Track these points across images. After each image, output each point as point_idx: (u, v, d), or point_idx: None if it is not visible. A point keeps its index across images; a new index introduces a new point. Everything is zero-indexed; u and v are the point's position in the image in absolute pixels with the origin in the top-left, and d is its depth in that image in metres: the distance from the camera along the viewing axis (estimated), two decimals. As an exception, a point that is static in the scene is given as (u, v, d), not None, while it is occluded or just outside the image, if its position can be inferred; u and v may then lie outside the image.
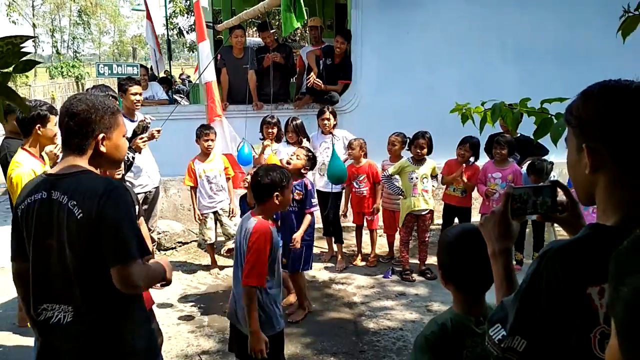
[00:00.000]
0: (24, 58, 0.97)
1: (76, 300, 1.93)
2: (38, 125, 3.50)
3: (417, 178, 5.42)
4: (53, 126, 3.56)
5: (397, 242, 6.02)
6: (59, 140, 3.77)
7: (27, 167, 3.43)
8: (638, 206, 1.19)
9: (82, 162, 1.98)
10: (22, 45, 0.94)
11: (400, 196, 5.50)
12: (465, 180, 5.47)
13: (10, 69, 0.97)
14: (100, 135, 1.99)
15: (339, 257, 5.85)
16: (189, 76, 22.43)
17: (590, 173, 1.22)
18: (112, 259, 1.87)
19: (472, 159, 5.62)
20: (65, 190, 1.89)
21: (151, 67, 11.68)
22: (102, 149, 2.00)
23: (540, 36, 7.03)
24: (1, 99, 0.99)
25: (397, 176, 5.51)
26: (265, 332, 2.83)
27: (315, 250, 6.21)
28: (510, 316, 1.23)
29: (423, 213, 5.45)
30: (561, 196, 1.48)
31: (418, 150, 5.39)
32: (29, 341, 4.23)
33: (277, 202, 2.96)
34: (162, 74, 11.24)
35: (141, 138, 4.34)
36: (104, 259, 1.87)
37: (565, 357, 1.19)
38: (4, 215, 8.13)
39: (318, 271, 5.69)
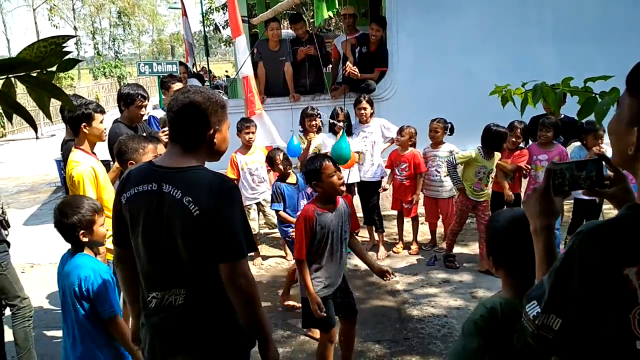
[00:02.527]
0: (66, 57, 1.01)
1: (189, 284, 1.99)
2: (84, 123, 3.60)
3: (484, 173, 5.22)
4: (99, 124, 3.64)
5: (439, 230, 5.97)
6: (106, 136, 3.89)
7: (86, 164, 3.53)
8: None
9: (192, 156, 2.01)
10: (64, 44, 0.98)
11: (455, 188, 5.33)
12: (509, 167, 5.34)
13: (54, 67, 1.01)
14: (215, 129, 2.02)
15: (380, 245, 5.84)
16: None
17: (634, 152, 1.19)
18: (224, 255, 1.93)
19: (522, 144, 5.49)
20: (179, 185, 1.93)
21: (194, 63, 11.85)
22: (215, 141, 2.04)
23: (579, 13, 6.81)
24: (47, 96, 1.03)
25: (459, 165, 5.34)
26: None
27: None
28: (546, 293, 1.21)
29: (481, 200, 5.31)
30: (607, 170, 1.44)
31: (513, 140, 5.27)
32: (55, 334, 4.38)
33: (320, 188, 3.23)
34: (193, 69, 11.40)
35: (163, 131, 4.47)
36: (215, 253, 1.93)
37: (603, 338, 1.17)
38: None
39: (360, 260, 5.68)
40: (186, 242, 1.93)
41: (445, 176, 5.62)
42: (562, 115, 5.35)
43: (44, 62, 0.98)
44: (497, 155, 5.29)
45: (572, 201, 5.38)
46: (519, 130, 5.32)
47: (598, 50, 6.59)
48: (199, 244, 1.93)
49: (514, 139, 5.32)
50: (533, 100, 2.07)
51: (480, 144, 5.24)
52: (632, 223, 1.17)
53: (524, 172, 5.33)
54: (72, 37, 1.00)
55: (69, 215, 2.69)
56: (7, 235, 3.77)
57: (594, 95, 1.92)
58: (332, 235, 3.26)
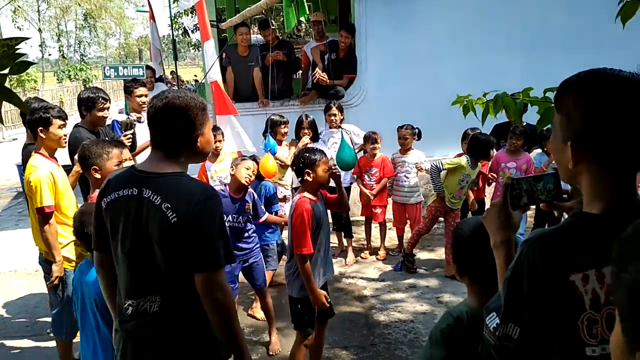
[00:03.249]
0: (19, 59, 0.97)
1: (164, 292, 1.96)
2: (40, 128, 3.50)
3: (466, 182, 5.20)
4: (56, 130, 3.53)
5: (407, 235, 6.01)
6: (66, 142, 3.79)
7: (44, 169, 3.45)
8: (623, 195, 1.20)
9: (174, 162, 1.98)
10: (17, 47, 0.95)
11: (439, 194, 5.23)
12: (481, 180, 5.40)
13: (6, 70, 0.98)
14: (198, 132, 1.99)
15: (349, 251, 5.85)
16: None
17: (573, 167, 1.22)
18: (200, 265, 1.90)
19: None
20: (158, 191, 1.90)
21: (163, 69, 11.66)
22: (198, 145, 2.01)
23: (546, 23, 6.97)
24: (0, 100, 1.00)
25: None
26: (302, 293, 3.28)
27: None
28: (502, 303, 1.23)
29: (455, 208, 5.32)
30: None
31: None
32: (44, 345, 4.28)
33: (310, 179, 3.29)
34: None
35: (125, 135, 4.43)
36: (191, 261, 1.89)
37: (556, 345, 1.19)
38: (16, 219, 8.22)
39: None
40: (163, 249, 1.90)
41: (413, 183, 5.67)
42: (525, 123, 5.45)
43: (-4, 65, 0.95)
44: (479, 165, 5.28)
45: (534, 206, 5.47)
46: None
47: (564, 58, 6.72)
48: (175, 251, 1.90)
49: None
50: (494, 110, 2.10)
51: (467, 153, 5.21)
52: (577, 230, 1.20)
53: (489, 179, 5.40)
54: (26, 39, 0.97)
55: (88, 224, 2.60)
56: None
57: (552, 104, 1.97)
58: (323, 226, 3.31)
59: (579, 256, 1.16)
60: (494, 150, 5.20)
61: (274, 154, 5.26)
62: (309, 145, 5.40)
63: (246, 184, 4.02)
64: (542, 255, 1.17)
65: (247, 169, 4.01)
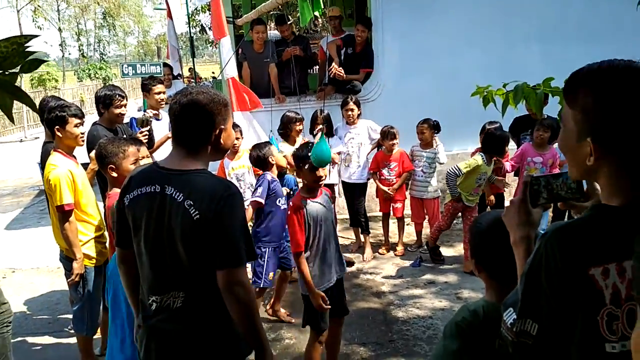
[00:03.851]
0: (30, 57, 0.97)
1: (188, 287, 1.97)
2: (57, 127, 3.52)
3: (484, 179, 5.15)
4: (73, 128, 3.55)
5: (425, 230, 5.97)
6: (85, 141, 3.82)
7: (63, 167, 3.47)
8: None
9: (196, 158, 1.99)
10: (27, 44, 0.94)
11: (453, 195, 5.19)
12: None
13: (17, 69, 0.97)
14: (221, 128, 2.00)
15: (367, 247, 5.82)
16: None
17: (594, 163, 1.18)
18: (222, 262, 1.91)
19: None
20: (181, 188, 1.91)
21: (180, 67, 11.72)
22: (222, 140, 2.02)
23: (563, 14, 6.85)
24: (10, 99, 0.99)
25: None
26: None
27: (343, 242, 6.22)
28: (519, 299, 1.20)
29: (471, 206, 5.27)
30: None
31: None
32: (65, 341, 4.34)
33: (300, 178, 3.41)
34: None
35: (141, 132, 4.46)
36: (213, 258, 1.91)
37: (575, 341, 1.15)
38: (38, 217, 8.34)
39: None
40: (185, 246, 1.91)
41: (429, 177, 5.63)
42: (545, 116, 5.36)
43: (6, 63, 0.95)
44: (494, 161, 5.21)
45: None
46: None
47: (582, 50, 6.55)
48: (198, 248, 1.91)
49: None
50: (514, 101, 2.06)
51: (482, 149, 5.16)
52: (596, 223, 1.16)
53: (503, 181, 5.32)
54: (36, 36, 0.97)
55: None
56: None
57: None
58: (322, 224, 3.27)
59: (599, 249, 1.12)
60: (508, 146, 5.13)
61: None
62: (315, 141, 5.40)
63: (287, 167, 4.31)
64: (561, 249, 1.14)
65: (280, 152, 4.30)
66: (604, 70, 1.18)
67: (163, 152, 4.94)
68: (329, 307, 3.23)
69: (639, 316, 0.88)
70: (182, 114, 1.98)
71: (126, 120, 4.72)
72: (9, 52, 0.94)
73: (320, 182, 3.31)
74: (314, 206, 3.26)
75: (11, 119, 1.08)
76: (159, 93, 5.17)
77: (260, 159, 4.44)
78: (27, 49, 0.96)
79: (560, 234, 1.17)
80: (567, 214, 5.26)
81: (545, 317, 1.16)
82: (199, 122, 1.97)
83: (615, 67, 1.17)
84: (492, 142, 5.00)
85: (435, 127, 5.55)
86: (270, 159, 4.43)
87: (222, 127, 2.01)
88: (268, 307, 4.56)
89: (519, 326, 1.19)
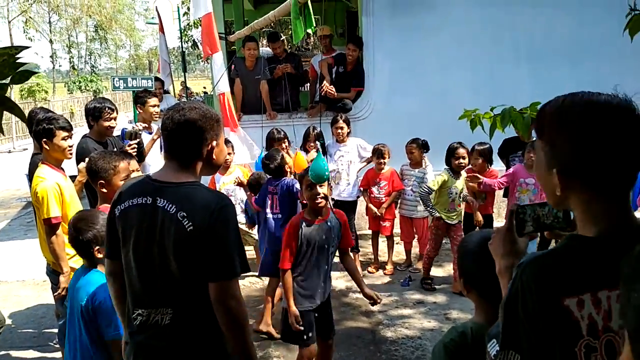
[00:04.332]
0: (21, 68, 0.96)
1: (176, 303, 1.95)
2: (44, 139, 3.50)
3: (456, 193, 5.26)
4: (60, 141, 3.52)
5: (414, 250, 5.95)
6: (73, 154, 3.78)
7: (51, 180, 3.45)
8: (616, 217, 1.17)
9: (189, 172, 2.00)
10: (17, 55, 0.93)
11: (432, 214, 5.30)
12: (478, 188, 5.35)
13: (7, 80, 0.96)
14: (213, 143, 2.01)
15: (356, 265, 5.78)
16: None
17: (561, 193, 1.20)
18: (215, 274, 1.90)
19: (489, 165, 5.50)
20: (173, 200, 1.91)
21: (171, 82, 11.70)
22: (213, 156, 2.03)
23: (552, 35, 6.95)
24: (0, 109, 0.98)
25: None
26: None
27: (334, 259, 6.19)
28: (500, 330, 1.19)
29: (454, 222, 5.33)
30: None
31: (460, 161, 5.20)
32: (50, 355, 4.26)
33: (302, 198, 3.44)
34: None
35: (130, 145, 4.44)
36: (205, 271, 1.89)
37: None
38: (25, 229, 8.23)
39: (335, 280, 5.63)
40: (178, 259, 1.89)
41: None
42: (534, 138, 5.38)
43: (-4, 74, 0.94)
44: (464, 174, 5.32)
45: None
46: (477, 153, 5.35)
47: (570, 70, 6.71)
48: (190, 260, 1.89)
49: (479, 162, 5.34)
50: (501, 125, 2.08)
51: (446, 164, 5.32)
52: (570, 253, 1.17)
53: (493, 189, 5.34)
54: (26, 47, 0.96)
55: (83, 231, 2.60)
56: None
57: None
58: (316, 248, 3.27)
59: (573, 280, 1.13)
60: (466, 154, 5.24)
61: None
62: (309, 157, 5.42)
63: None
64: (536, 279, 1.15)
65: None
66: (566, 105, 1.21)
67: (157, 164, 4.92)
68: (300, 328, 3.24)
69: (625, 346, 0.87)
70: (174, 130, 1.98)
71: (117, 132, 4.69)
72: (-1, 63, 0.93)
73: (318, 201, 3.27)
74: (312, 229, 3.27)
75: (0, 130, 1.07)
76: (154, 106, 5.18)
77: (278, 169, 4.58)
78: (18, 60, 0.95)
79: (535, 263, 1.17)
80: (552, 243, 5.30)
81: (524, 348, 1.15)
82: (190, 137, 1.97)
83: (575, 100, 1.20)
84: (447, 154, 5.25)
85: (424, 147, 5.59)
86: (286, 167, 4.62)
87: (214, 142, 2.01)
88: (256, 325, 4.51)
89: (502, 358, 1.19)
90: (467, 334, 1.75)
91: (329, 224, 3.33)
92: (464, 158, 5.20)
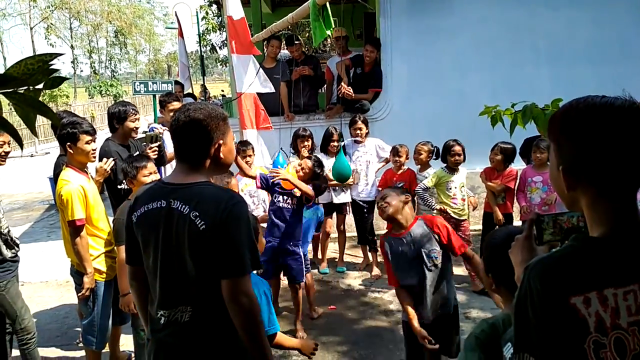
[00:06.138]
0: (53, 75, 1.01)
1: (195, 302, 1.98)
2: (68, 143, 3.56)
3: (455, 187, 5.30)
4: (84, 145, 3.58)
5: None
6: (97, 157, 3.87)
7: (75, 183, 3.51)
8: (622, 218, 1.19)
9: (199, 172, 2.02)
10: (51, 62, 0.98)
11: (433, 211, 5.31)
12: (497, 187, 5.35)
13: (41, 85, 1.01)
14: (219, 142, 2.03)
15: (374, 265, 5.81)
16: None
17: (567, 192, 1.23)
18: (226, 271, 1.92)
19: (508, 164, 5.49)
20: (186, 201, 1.93)
21: (190, 86, 11.84)
22: (221, 155, 2.05)
23: (572, 36, 6.90)
24: (33, 113, 1.03)
25: (433, 189, 5.38)
26: None
27: (351, 259, 6.22)
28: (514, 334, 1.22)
29: (462, 219, 5.36)
30: None
31: (456, 158, 5.23)
32: (72, 354, 4.35)
33: None
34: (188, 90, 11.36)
35: (150, 148, 4.50)
36: (218, 268, 1.92)
37: None
38: (48, 231, 8.40)
39: (353, 279, 5.67)
40: (193, 258, 1.92)
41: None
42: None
43: (31, 80, 0.98)
44: (464, 170, 5.38)
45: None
46: (499, 149, 5.34)
47: (590, 71, 6.66)
48: (205, 259, 1.92)
49: (498, 158, 5.34)
50: (523, 121, 2.08)
51: (442, 161, 5.39)
52: (575, 253, 1.18)
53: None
54: (60, 54, 1.00)
55: None
56: (15, 254, 3.68)
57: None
58: (407, 261, 3.16)
59: (578, 279, 1.14)
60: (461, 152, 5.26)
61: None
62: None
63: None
64: (542, 279, 1.17)
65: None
66: (570, 105, 1.24)
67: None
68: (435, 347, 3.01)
69: None
70: (181, 131, 2.01)
71: (139, 135, 4.77)
72: (34, 69, 0.98)
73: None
74: (397, 242, 3.23)
75: (34, 133, 1.12)
76: (175, 110, 5.25)
77: (316, 174, 4.60)
78: (51, 67, 1.00)
79: (541, 264, 1.19)
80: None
81: (537, 349, 1.18)
82: (197, 137, 2.00)
83: (580, 102, 1.22)
84: (443, 151, 5.33)
85: (434, 153, 5.57)
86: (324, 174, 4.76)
87: (221, 141, 2.03)
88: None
89: None
90: (498, 326, 1.76)
91: (415, 234, 3.18)
92: (459, 155, 5.24)
